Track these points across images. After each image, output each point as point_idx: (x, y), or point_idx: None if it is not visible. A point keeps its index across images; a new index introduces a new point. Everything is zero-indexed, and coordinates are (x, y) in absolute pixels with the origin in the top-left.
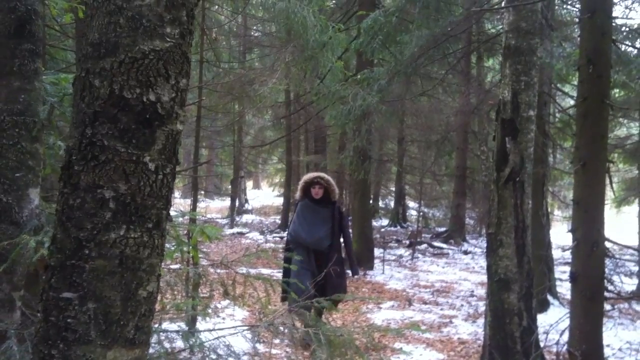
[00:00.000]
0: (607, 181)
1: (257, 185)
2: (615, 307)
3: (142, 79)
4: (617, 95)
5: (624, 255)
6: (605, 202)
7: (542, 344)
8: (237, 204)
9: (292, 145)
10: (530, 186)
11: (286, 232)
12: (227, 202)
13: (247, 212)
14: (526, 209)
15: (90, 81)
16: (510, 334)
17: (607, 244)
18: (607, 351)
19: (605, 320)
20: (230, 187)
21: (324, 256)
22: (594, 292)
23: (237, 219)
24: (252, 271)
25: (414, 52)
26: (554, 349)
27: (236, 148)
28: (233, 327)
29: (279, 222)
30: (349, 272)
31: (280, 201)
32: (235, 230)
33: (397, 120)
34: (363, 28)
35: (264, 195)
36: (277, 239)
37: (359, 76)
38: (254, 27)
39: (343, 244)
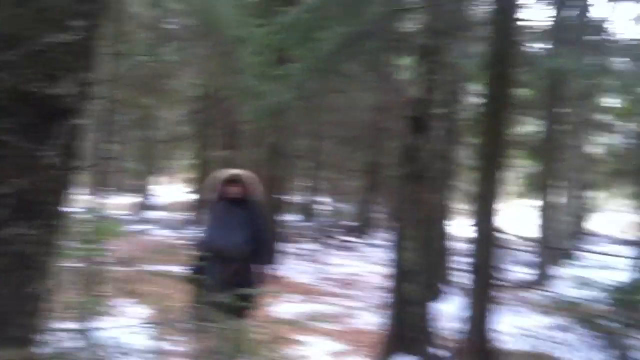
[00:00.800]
0: (505, 177)
1: (168, 181)
2: (508, 294)
3: (46, 72)
4: (521, 94)
5: (520, 248)
6: (509, 195)
7: (442, 332)
8: (148, 200)
9: (207, 141)
10: (435, 181)
11: (198, 230)
12: (137, 198)
13: (158, 208)
14: (431, 204)
15: None
16: (412, 323)
17: (507, 236)
18: (503, 337)
19: (501, 308)
20: (141, 183)
21: (243, 265)
22: (489, 280)
23: (148, 215)
24: (162, 269)
25: (331, 49)
26: (454, 336)
27: (147, 142)
28: (134, 325)
29: (191, 218)
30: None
31: (192, 197)
32: (145, 226)
33: (313, 116)
34: (283, 24)
35: (175, 191)
36: (189, 235)
37: (276, 72)
38: (171, 20)
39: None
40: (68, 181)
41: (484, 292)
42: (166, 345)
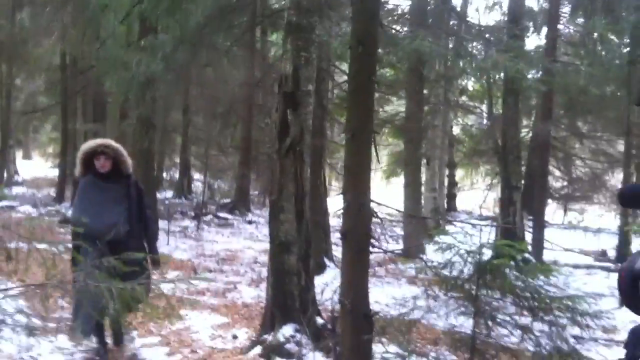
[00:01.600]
0: (373, 150)
1: (27, 155)
2: (384, 267)
3: None
4: (388, 75)
5: (390, 219)
6: (374, 170)
7: (322, 303)
8: (5, 175)
9: (69, 113)
10: (308, 156)
11: (63, 208)
12: None
13: (17, 184)
14: (305, 177)
15: None
16: (290, 293)
17: (374, 207)
18: (375, 306)
19: (375, 279)
20: None
21: (121, 247)
22: (361, 247)
23: (6, 191)
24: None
25: (199, 21)
26: (329, 305)
27: (4, 114)
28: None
29: (54, 194)
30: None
31: (54, 173)
32: (5, 203)
33: (182, 89)
34: None
35: (36, 166)
36: (53, 212)
37: (142, 42)
38: None
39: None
40: None
41: (355, 257)
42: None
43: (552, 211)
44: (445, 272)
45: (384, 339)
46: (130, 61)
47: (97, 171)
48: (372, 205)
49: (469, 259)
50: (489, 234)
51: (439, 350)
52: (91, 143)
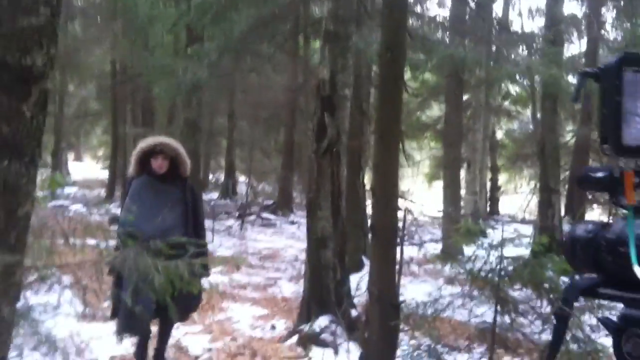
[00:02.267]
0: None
1: (79, 158)
2: (422, 267)
3: (21, 47)
4: (429, 80)
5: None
6: (415, 175)
7: (353, 294)
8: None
9: (118, 117)
10: (345, 157)
11: (113, 208)
12: (47, 174)
13: (68, 185)
14: (341, 177)
15: None
16: (326, 286)
17: (411, 207)
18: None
19: (412, 278)
20: (50, 158)
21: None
22: (388, 239)
23: (59, 192)
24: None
25: (243, 30)
26: (363, 299)
27: (57, 118)
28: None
29: (104, 195)
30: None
31: (105, 174)
32: (57, 202)
33: (227, 95)
34: (193, 5)
35: (87, 168)
36: (103, 211)
37: (189, 51)
38: None
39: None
40: (42, 129)
41: (383, 249)
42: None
43: (597, 216)
44: (470, 265)
45: (408, 328)
46: (178, 68)
47: (153, 171)
48: (409, 205)
49: (492, 252)
50: (530, 238)
51: (461, 340)
52: (149, 140)
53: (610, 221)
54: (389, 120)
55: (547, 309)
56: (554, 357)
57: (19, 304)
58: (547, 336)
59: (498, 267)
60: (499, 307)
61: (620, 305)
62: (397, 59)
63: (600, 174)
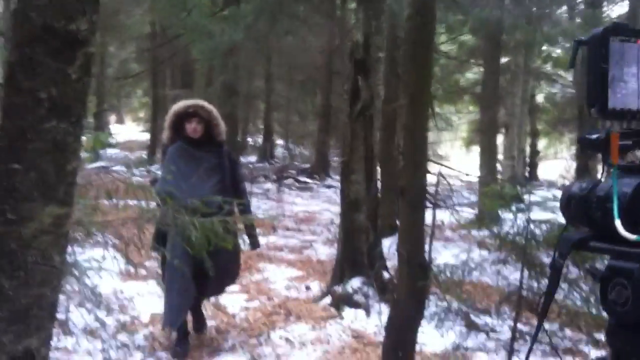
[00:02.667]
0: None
1: (120, 120)
2: (456, 232)
3: (65, 13)
4: (468, 42)
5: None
6: (453, 139)
7: (385, 257)
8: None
9: (158, 79)
10: (379, 120)
11: (154, 169)
12: (89, 135)
13: (111, 146)
14: (375, 141)
15: (27, 13)
16: (359, 248)
17: (445, 171)
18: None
19: (445, 242)
20: (92, 120)
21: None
22: (416, 202)
23: (102, 152)
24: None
25: None
26: (395, 260)
27: (98, 80)
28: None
29: (145, 156)
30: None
31: (146, 136)
32: (100, 164)
33: (263, 57)
34: None
35: (128, 130)
36: (145, 173)
37: (226, 12)
38: None
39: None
40: (87, 91)
41: (411, 211)
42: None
43: None
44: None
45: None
46: (214, 30)
47: (187, 137)
48: (441, 169)
49: (520, 215)
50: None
51: (490, 302)
52: (181, 104)
53: (602, 179)
54: (419, 84)
55: (574, 272)
56: (549, 303)
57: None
58: (572, 300)
59: (525, 230)
60: (525, 270)
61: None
62: (427, 22)
63: (593, 136)
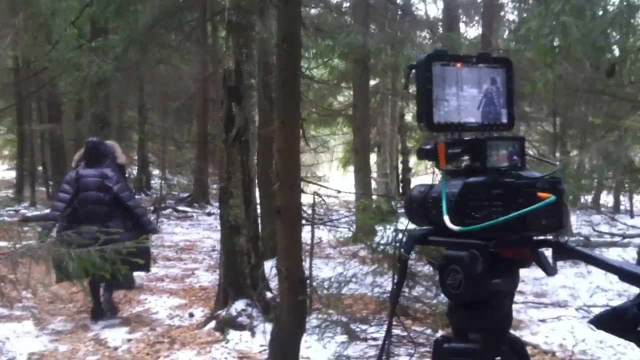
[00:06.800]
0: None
1: None
2: (336, 249)
3: None
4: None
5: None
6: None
7: (268, 278)
8: None
9: (24, 114)
10: (254, 145)
11: (21, 207)
12: None
13: None
14: (251, 165)
15: None
16: (241, 271)
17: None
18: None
19: (327, 260)
20: None
21: None
22: (293, 220)
23: None
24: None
25: (148, 21)
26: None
27: None
28: None
29: (12, 196)
30: None
31: (11, 174)
32: None
33: (135, 87)
34: None
35: None
36: (12, 212)
37: (93, 44)
38: None
39: None
40: None
41: (289, 230)
42: None
43: None
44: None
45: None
46: (83, 62)
47: None
48: (318, 189)
49: (388, 226)
50: None
51: (367, 311)
52: None
53: (436, 183)
54: (289, 108)
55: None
56: (398, 293)
57: None
58: (441, 300)
59: (394, 240)
60: (396, 278)
61: None
62: (293, 49)
63: (427, 147)
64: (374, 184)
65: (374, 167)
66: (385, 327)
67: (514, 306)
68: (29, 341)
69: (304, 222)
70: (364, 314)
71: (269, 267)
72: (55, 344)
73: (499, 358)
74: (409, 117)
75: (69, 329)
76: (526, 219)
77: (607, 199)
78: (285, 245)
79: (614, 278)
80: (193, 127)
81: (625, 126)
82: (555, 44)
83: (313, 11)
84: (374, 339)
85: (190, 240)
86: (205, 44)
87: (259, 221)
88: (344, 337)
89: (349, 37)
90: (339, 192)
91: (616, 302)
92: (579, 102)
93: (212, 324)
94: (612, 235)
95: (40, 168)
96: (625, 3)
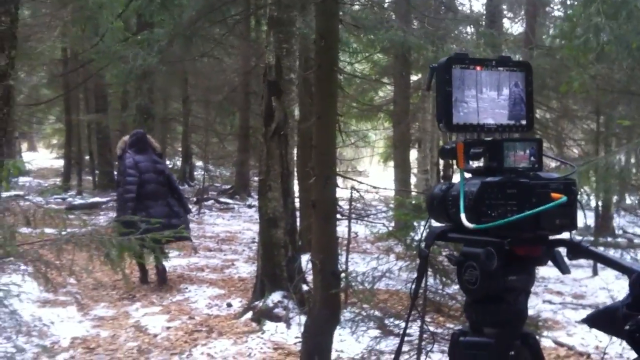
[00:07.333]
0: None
1: (33, 147)
2: (374, 244)
3: None
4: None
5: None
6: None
7: (304, 270)
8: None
9: (72, 104)
10: (293, 139)
11: (68, 195)
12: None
13: (23, 174)
14: (290, 158)
15: None
16: (278, 263)
17: (358, 186)
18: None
19: (364, 255)
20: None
21: None
22: (327, 214)
23: (14, 180)
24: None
25: (192, 14)
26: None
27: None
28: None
29: (60, 184)
30: None
31: (59, 163)
32: (12, 193)
33: (179, 80)
34: None
35: (41, 157)
36: (59, 200)
37: (139, 37)
38: None
39: None
40: (7, 121)
41: (323, 223)
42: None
43: None
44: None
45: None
46: (128, 55)
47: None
48: (355, 184)
49: (423, 223)
50: None
51: (400, 306)
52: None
53: (456, 181)
54: (326, 103)
55: None
56: (418, 287)
57: None
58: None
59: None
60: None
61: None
62: (330, 46)
63: (448, 147)
64: (414, 180)
65: (414, 163)
66: (418, 324)
67: (551, 307)
68: (72, 326)
69: (340, 216)
70: (399, 310)
71: (306, 260)
72: (97, 329)
73: (512, 352)
74: None
75: (111, 315)
76: (540, 218)
77: None
78: (319, 239)
79: None
80: (235, 120)
81: None
82: (588, 45)
83: (355, 7)
84: (408, 334)
85: (230, 232)
86: (248, 38)
87: (298, 215)
88: (377, 332)
89: (388, 33)
90: (374, 187)
91: None
92: (620, 102)
93: (249, 314)
94: None
95: (87, 157)
96: None
